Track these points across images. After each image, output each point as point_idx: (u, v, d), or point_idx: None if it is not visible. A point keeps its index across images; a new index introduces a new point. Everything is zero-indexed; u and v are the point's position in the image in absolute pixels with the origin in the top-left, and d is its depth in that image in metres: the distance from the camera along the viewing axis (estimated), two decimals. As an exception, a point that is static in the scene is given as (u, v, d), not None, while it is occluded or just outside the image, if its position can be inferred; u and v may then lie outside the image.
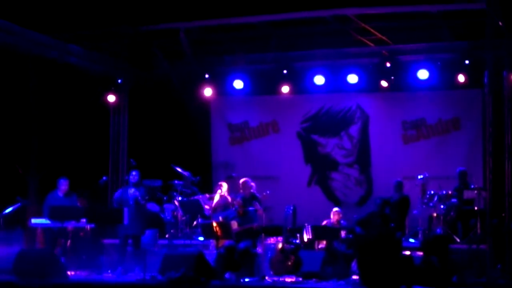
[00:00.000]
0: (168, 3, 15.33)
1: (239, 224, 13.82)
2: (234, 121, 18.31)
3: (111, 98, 17.03)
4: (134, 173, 14.23)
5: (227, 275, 13.03)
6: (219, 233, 13.44)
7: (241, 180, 15.61)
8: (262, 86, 17.32)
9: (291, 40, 16.15)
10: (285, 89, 16.79)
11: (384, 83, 16.15)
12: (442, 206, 14.55)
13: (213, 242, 14.01)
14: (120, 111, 17.42)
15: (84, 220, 13.87)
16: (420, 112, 17.00)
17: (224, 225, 13.56)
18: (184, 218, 15.59)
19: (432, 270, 12.25)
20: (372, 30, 15.24)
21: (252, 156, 18.12)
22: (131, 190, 13.99)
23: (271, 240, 14.25)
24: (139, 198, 13.91)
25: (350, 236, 14.00)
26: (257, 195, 15.45)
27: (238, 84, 17.05)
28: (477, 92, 15.86)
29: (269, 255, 13.76)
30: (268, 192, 15.50)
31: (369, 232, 13.39)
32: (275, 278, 13.11)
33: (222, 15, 14.96)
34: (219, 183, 16.34)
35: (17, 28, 14.24)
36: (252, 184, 15.48)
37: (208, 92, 17.22)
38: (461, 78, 15.62)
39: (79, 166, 16.32)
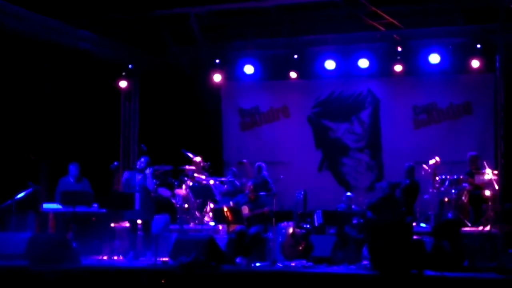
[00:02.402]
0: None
1: (250, 209, 13.85)
2: (244, 106, 18.31)
3: (122, 83, 17.07)
4: (142, 159, 14.29)
5: (238, 260, 13.07)
6: (230, 218, 13.47)
7: (256, 164, 15.72)
8: (272, 71, 17.32)
9: (301, 25, 16.11)
10: (294, 73, 16.80)
11: (397, 68, 16.09)
12: (453, 191, 14.52)
13: (224, 227, 14.05)
14: (131, 97, 17.49)
15: (95, 205, 13.94)
16: (431, 96, 16.96)
17: (235, 210, 13.59)
18: (195, 203, 15.64)
19: (443, 255, 12.24)
20: (383, 14, 15.17)
21: (262, 141, 18.12)
22: (138, 177, 14.05)
23: (282, 225, 14.26)
24: (147, 184, 13.95)
25: (361, 221, 14.01)
26: (269, 180, 15.49)
27: (249, 69, 17.06)
28: (488, 76, 15.80)
29: (280, 239, 13.79)
30: (281, 177, 15.55)
31: (380, 216, 13.39)
32: (286, 263, 13.14)
33: (233, 0, 14.92)
34: (229, 168, 16.39)
35: (29, 14, 14.26)
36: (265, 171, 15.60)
37: (217, 78, 17.23)
38: (474, 63, 15.58)
39: (90, 152, 16.37)
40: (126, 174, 14.37)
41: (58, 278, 12.18)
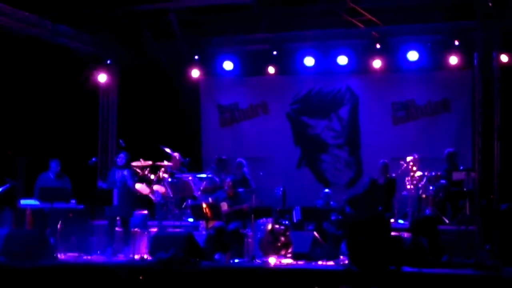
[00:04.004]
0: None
1: (229, 206, 13.83)
2: (223, 102, 18.26)
3: (101, 79, 16.99)
4: (122, 155, 14.25)
5: (216, 256, 13.05)
6: (208, 214, 13.45)
7: (236, 160, 15.73)
8: (251, 67, 17.31)
9: (281, 21, 16.10)
10: (273, 69, 16.82)
11: (376, 64, 16.13)
12: (431, 188, 14.58)
13: (202, 223, 14.03)
14: (109, 92, 17.42)
15: (73, 201, 13.88)
16: (410, 93, 17.00)
17: (213, 207, 13.57)
18: (173, 199, 15.60)
19: (421, 251, 12.30)
20: (362, 11, 15.21)
21: (241, 137, 18.08)
22: (119, 173, 14.04)
23: (261, 221, 14.26)
24: (127, 180, 13.93)
25: (340, 217, 14.04)
26: (248, 177, 15.49)
27: (228, 65, 17.03)
28: (466, 73, 15.88)
29: (258, 236, 13.79)
30: (261, 173, 15.54)
31: (359, 212, 13.42)
32: (265, 259, 13.14)
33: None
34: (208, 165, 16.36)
35: (7, 8, 14.14)
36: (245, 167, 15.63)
37: (195, 73, 17.21)
38: (452, 60, 15.67)
39: (68, 147, 16.28)
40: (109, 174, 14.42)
41: (35, 274, 12.12)
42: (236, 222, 13.63)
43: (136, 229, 14.14)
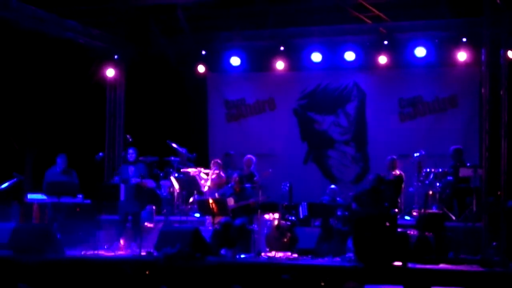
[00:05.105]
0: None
1: (235, 201, 13.84)
2: (230, 97, 18.27)
3: (108, 73, 17.02)
4: (131, 150, 14.28)
5: (223, 251, 13.07)
6: (215, 210, 13.46)
7: (247, 157, 15.72)
8: (259, 63, 17.31)
9: (288, 17, 16.09)
10: (280, 65, 16.78)
11: (383, 60, 16.11)
12: (438, 184, 14.56)
13: (209, 218, 14.04)
14: (116, 87, 17.43)
15: (80, 196, 13.91)
16: (417, 89, 16.97)
17: (220, 202, 13.58)
18: (180, 194, 15.61)
19: (427, 248, 12.29)
20: (369, 7, 15.18)
21: (248, 133, 18.09)
22: (131, 169, 14.06)
23: (267, 216, 14.26)
24: (142, 175, 13.99)
25: (346, 213, 14.03)
26: (256, 173, 15.48)
27: (235, 60, 17.03)
28: (474, 69, 15.83)
29: (265, 231, 13.80)
30: (270, 170, 15.54)
31: (365, 208, 13.42)
32: (271, 255, 13.14)
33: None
34: (214, 160, 16.32)
35: (14, 2, 14.17)
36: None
37: (201, 69, 17.25)
38: (459, 56, 15.66)
39: (75, 142, 16.31)
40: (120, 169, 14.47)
41: (42, 269, 12.14)
42: (242, 218, 13.63)
43: (145, 224, 14.18)
